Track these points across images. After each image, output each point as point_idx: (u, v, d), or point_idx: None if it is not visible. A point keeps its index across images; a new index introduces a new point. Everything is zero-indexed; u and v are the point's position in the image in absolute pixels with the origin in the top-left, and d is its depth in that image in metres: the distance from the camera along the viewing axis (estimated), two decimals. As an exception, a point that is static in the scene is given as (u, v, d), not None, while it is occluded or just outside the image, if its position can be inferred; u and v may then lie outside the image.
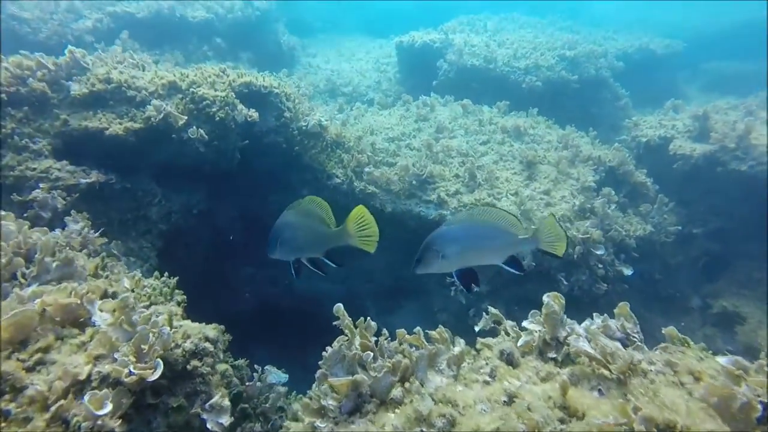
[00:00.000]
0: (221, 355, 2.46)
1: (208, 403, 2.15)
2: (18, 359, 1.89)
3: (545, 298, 2.57)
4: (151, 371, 1.90)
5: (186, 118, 4.52)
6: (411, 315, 6.44)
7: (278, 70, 10.53)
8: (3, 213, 2.68)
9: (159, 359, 1.95)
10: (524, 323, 2.56)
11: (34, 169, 3.97)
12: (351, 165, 6.24)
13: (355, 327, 2.20)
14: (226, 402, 2.16)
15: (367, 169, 6.20)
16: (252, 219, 6.40)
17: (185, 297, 2.87)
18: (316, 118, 6.01)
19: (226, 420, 2.10)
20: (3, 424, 1.64)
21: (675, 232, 5.95)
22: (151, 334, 1.99)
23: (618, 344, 1.99)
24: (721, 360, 2.17)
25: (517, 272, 2.76)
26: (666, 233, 5.98)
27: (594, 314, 2.64)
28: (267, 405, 2.94)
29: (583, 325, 2.47)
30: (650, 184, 6.45)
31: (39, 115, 4.30)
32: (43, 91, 4.29)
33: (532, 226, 2.67)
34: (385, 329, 2.22)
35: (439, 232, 2.58)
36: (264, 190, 6.36)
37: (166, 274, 2.99)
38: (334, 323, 2.29)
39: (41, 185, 3.77)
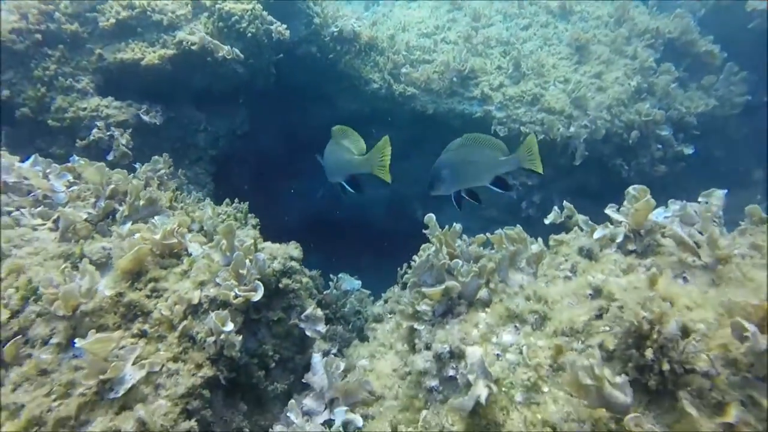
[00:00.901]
0: (306, 271, 2.62)
1: (303, 314, 2.34)
2: (137, 288, 2.08)
3: (631, 190, 2.51)
4: (254, 293, 2.05)
5: (227, 48, 4.35)
6: (458, 213, 6.52)
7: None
8: (81, 161, 2.78)
9: (258, 281, 2.10)
10: (607, 210, 2.54)
11: (85, 108, 4.02)
12: (387, 67, 5.97)
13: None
14: (319, 312, 2.35)
15: (404, 70, 5.93)
16: (294, 134, 6.39)
17: (258, 220, 2.99)
18: (346, 22, 5.64)
19: (322, 327, 2.30)
20: (143, 341, 1.86)
21: (742, 103, 5.54)
22: (247, 260, 2.12)
23: (716, 230, 1.96)
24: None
25: (503, 192, 3.02)
26: (731, 105, 5.58)
27: (669, 201, 2.59)
28: (345, 309, 3.18)
29: (671, 208, 2.43)
30: (717, 51, 5.88)
31: (75, 52, 4.24)
32: (73, 30, 4.18)
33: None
34: (464, 235, 2.27)
35: (438, 159, 2.87)
36: (302, 103, 6.25)
37: (231, 200, 3.09)
38: (424, 231, 2.34)
39: (97, 124, 3.84)
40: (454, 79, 5.76)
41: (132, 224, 2.40)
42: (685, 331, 1.66)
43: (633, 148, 5.26)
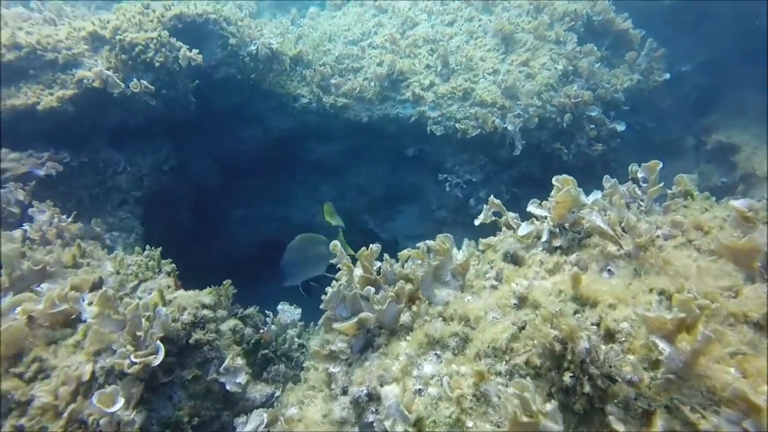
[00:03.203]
0: (224, 314, 2.41)
1: (222, 367, 2.13)
2: (15, 374, 1.82)
3: (554, 181, 2.42)
4: (154, 356, 1.83)
5: (133, 81, 4.07)
6: (411, 218, 6.43)
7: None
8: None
9: (159, 342, 1.88)
10: (530, 208, 2.45)
11: (-22, 166, 3.66)
12: (315, 80, 5.81)
13: (356, 259, 2.10)
14: (239, 361, 2.14)
15: (333, 81, 5.78)
16: (229, 160, 6.13)
17: (174, 266, 2.76)
18: (264, 41, 5.44)
19: (243, 378, 2.10)
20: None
21: (664, 74, 5.65)
22: (143, 319, 1.90)
23: (632, 216, 1.88)
24: (736, 203, 2.08)
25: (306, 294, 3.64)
26: (655, 78, 5.69)
27: (604, 179, 2.51)
28: (286, 346, 2.97)
29: (591, 198, 2.36)
30: (633, 29, 6.00)
31: (-39, 106, 3.87)
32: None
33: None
34: (386, 255, 2.11)
35: (283, 258, 3.59)
36: (233, 127, 6.00)
37: (147, 246, 2.85)
38: (332, 261, 2.18)
39: (-9, 182, 3.50)
40: (385, 83, 5.65)
41: (14, 296, 2.13)
42: (609, 335, 1.56)
43: (568, 130, 5.27)
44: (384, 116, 5.62)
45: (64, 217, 3.41)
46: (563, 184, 2.29)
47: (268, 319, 3.18)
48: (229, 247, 6.38)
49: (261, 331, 3.09)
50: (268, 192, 6.46)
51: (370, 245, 2.04)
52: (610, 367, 1.34)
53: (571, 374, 1.31)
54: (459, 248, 2.29)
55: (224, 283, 3.21)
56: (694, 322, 1.32)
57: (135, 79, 4.18)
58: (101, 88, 4.05)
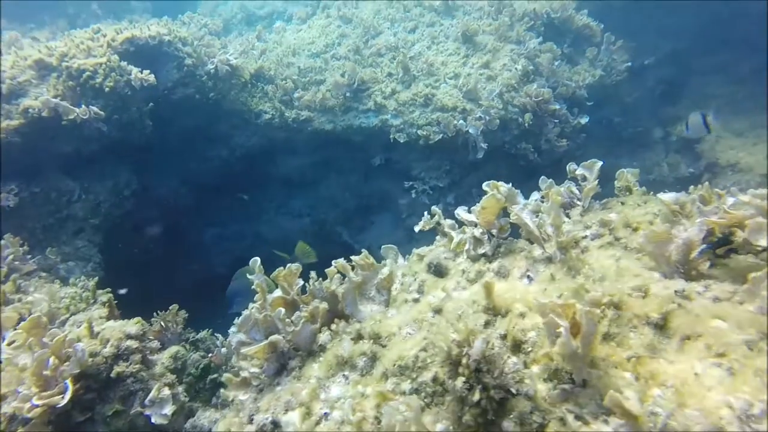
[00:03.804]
0: (155, 345, 2.33)
1: (147, 399, 2.05)
2: None
3: (484, 186, 2.39)
4: (60, 396, 1.76)
5: (80, 108, 4.02)
6: (383, 227, 6.36)
7: (181, 13, 9.46)
8: None
9: (68, 381, 1.81)
10: (458, 212, 2.40)
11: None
12: (278, 95, 5.77)
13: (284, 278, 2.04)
14: (166, 392, 2.07)
15: (295, 95, 5.75)
16: (195, 180, 6.07)
17: (111, 295, 2.69)
18: (222, 58, 5.41)
19: (168, 410, 2.02)
20: None
21: (626, 69, 5.64)
22: (52, 357, 1.83)
23: (558, 216, 1.82)
24: (664, 197, 2.04)
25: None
26: (617, 72, 5.68)
27: (542, 180, 2.47)
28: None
29: (530, 200, 2.33)
30: (594, 25, 6.00)
31: None
32: None
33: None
34: (314, 275, 2.04)
35: (229, 287, 3.73)
36: (197, 147, 5.95)
37: (82, 278, 2.77)
38: (251, 276, 2.10)
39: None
40: (347, 94, 5.62)
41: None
42: (516, 345, 1.50)
43: (532, 130, 5.24)
44: (348, 126, 5.58)
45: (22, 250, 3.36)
46: (491, 188, 2.25)
47: (218, 342, 3.10)
48: (201, 267, 6.30)
49: (210, 355, 3.02)
50: (238, 210, 6.40)
51: (287, 265, 1.97)
52: (507, 377, 1.27)
53: (465, 380, 1.25)
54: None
55: (171, 308, 3.15)
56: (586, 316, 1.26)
57: (83, 106, 4.13)
58: (49, 116, 4.00)
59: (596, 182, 2.40)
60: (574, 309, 1.28)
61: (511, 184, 2.35)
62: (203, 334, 3.27)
